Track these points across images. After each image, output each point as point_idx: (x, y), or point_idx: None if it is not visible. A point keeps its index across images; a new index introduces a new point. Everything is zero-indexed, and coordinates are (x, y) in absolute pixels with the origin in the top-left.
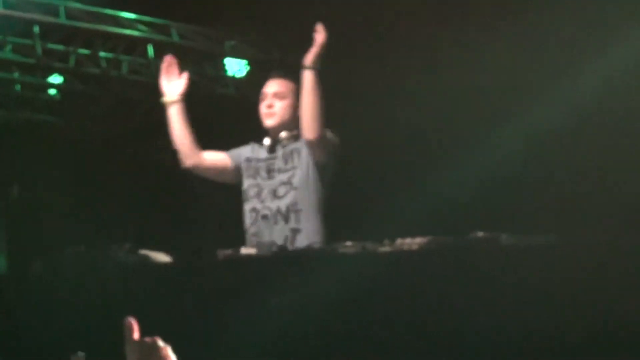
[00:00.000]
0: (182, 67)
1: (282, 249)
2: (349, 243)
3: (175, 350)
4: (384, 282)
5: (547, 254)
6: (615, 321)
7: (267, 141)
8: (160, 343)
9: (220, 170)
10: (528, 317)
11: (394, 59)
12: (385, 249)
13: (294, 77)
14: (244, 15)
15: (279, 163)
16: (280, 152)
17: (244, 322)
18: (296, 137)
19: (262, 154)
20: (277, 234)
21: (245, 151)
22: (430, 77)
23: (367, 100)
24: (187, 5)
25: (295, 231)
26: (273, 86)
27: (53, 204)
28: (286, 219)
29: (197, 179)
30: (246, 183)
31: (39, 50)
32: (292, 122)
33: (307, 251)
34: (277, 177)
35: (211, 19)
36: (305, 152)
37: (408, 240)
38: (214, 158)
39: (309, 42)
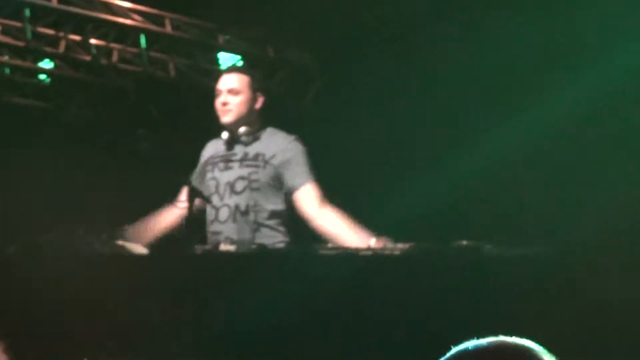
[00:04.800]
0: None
1: (262, 247)
2: (330, 245)
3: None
4: (362, 285)
5: (530, 265)
6: (596, 334)
7: (225, 135)
8: None
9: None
10: (509, 328)
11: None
12: (367, 252)
13: (248, 70)
14: (240, 9)
15: (237, 159)
16: (240, 150)
17: (220, 318)
18: (255, 134)
19: (221, 150)
20: (237, 232)
21: (204, 155)
22: (416, 85)
23: (358, 104)
24: None
25: (257, 226)
26: (226, 82)
27: (34, 188)
28: (246, 216)
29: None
30: (207, 178)
31: (29, 33)
32: (249, 117)
33: (288, 251)
34: (235, 170)
35: (207, 12)
36: (273, 161)
37: (390, 245)
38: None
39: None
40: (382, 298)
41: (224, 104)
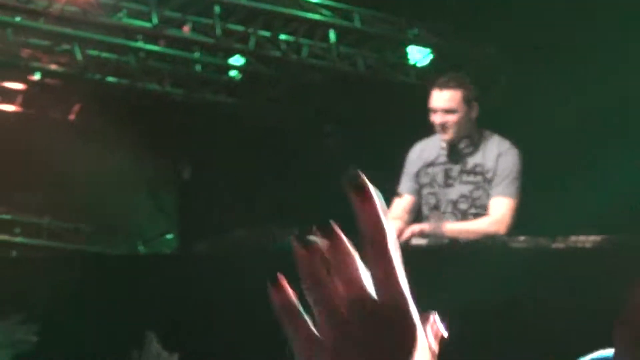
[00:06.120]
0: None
1: (453, 240)
2: (522, 237)
3: None
4: (554, 279)
5: None
6: None
7: (443, 144)
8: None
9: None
10: None
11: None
12: (558, 245)
13: (460, 83)
14: (428, 3)
15: (457, 172)
16: (460, 161)
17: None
18: (476, 144)
19: (439, 157)
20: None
21: (418, 159)
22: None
23: (542, 93)
24: None
25: None
26: (440, 101)
27: (225, 186)
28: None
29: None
30: (424, 191)
31: (219, 30)
32: (468, 129)
33: (478, 244)
34: (457, 187)
35: (396, 6)
36: (489, 176)
37: (582, 238)
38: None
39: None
40: (572, 290)
41: (442, 124)
